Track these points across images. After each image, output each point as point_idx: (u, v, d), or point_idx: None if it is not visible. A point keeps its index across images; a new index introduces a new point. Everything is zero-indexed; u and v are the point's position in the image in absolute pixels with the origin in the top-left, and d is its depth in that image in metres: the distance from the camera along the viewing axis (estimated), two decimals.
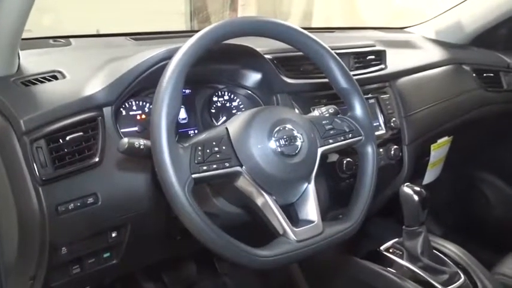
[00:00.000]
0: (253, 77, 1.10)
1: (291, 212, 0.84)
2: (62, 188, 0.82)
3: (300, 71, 1.17)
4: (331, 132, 0.88)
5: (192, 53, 0.77)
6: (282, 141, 0.79)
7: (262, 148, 0.78)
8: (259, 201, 0.79)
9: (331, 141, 0.87)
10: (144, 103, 1.01)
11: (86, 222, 0.85)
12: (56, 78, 0.95)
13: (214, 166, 0.75)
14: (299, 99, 1.15)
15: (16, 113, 0.81)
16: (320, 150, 0.85)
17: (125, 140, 0.76)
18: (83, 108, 0.87)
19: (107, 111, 0.91)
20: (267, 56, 1.08)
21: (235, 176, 0.79)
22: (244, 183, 0.79)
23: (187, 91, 1.10)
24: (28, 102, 0.85)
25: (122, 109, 1.00)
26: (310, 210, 0.82)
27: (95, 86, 0.91)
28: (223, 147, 0.77)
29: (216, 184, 0.91)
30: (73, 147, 0.84)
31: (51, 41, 1.18)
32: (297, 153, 0.80)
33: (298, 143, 0.81)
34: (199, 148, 0.75)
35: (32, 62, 1.00)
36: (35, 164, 0.79)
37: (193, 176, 0.72)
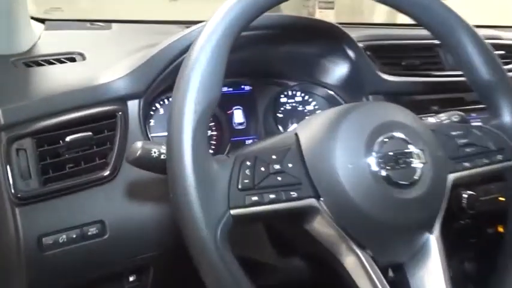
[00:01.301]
0: (338, 71, 0.79)
1: (399, 278, 0.51)
2: (51, 211, 0.56)
3: (401, 65, 0.86)
4: (468, 150, 0.55)
5: (247, 5, 0.47)
6: (390, 161, 0.47)
7: (356, 169, 0.47)
8: (345, 258, 0.49)
9: (467, 164, 0.54)
10: None
11: (87, 263, 0.58)
12: (73, 60, 0.71)
13: (272, 196, 0.45)
14: (398, 103, 0.81)
15: None
16: (451, 179, 0.52)
17: (139, 144, 0.49)
18: (97, 100, 0.62)
19: (133, 105, 0.65)
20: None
21: (307, 214, 0.49)
22: (320, 227, 0.49)
23: (247, 87, 0.83)
24: (19, 87, 0.61)
25: (155, 106, 0.74)
26: (433, 278, 0.49)
27: (117, 71, 0.65)
28: (289, 165, 0.47)
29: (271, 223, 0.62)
30: (77, 153, 0.59)
31: (88, 24, 0.97)
32: (415, 181, 0.48)
33: (417, 164, 0.48)
34: (248, 164, 0.46)
35: (52, 43, 0.78)
36: (10, 174, 0.54)
37: (233, 212, 0.44)
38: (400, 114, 0.52)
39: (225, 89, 0.81)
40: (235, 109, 0.81)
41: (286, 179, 0.46)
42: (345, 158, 0.47)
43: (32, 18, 0.81)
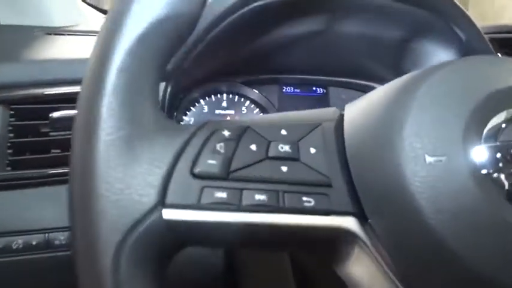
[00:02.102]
0: (438, 61, 0.55)
1: None
2: (10, 206, 0.42)
3: None
4: None
5: None
6: None
7: (443, 169, 0.23)
8: None
9: None
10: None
11: (46, 282, 0.43)
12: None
13: (261, 198, 0.24)
14: None
15: None
16: None
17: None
18: None
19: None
20: None
21: (335, 244, 0.26)
22: (362, 271, 0.26)
23: (320, 90, 0.64)
24: (18, 50, 0.50)
25: (197, 100, 0.59)
26: None
27: None
28: (311, 150, 0.26)
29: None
30: (62, 136, 0.45)
31: None
32: None
33: None
34: (226, 135, 0.25)
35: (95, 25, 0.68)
36: None
37: (168, 213, 0.23)
38: None
39: (290, 89, 0.63)
40: None
41: (301, 172, 0.25)
42: (422, 147, 0.23)
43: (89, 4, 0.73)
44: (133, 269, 0.22)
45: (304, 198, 0.25)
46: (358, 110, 0.27)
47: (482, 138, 0.23)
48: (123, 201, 0.22)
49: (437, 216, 0.22)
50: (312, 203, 0.25)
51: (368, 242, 0.25)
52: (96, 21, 0.72)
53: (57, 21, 0.62)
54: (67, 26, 0.63)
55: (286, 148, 0.26)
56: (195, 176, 0.24)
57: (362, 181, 0.25)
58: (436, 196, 0.22)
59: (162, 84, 0.50)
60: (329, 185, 0.25)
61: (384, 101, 0.26)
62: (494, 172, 0.23)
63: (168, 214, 0.23)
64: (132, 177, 0.22)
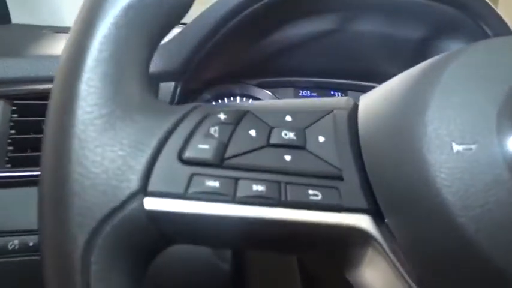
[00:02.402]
0: None
1: None
2: (7, 205, 0.41)
3: None
4: None
5: None
6: None
7: (473, 159, 0.19)
8: None
9: None
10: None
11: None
12: None
13: (259, 189, 0.21)
14: None
15: None
16: None
17: None
18: None
19: (167, 89, 0.48)
20: None
21: (347, 245, 0.22)
22: (377, 277, 0.22)
23: (338, 94, 0.61)
24: (23, 46, 0.49)
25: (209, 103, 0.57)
26: None
27: None
28: (320, 139, 0.23)
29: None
30: None
31: None
32: None
33: None
34: (222, 118, 0.22)
35: None
36: None
37: (150, 203, 0.20)
38: None
39: (306, 92, 0.61)
40: None
41: (307, 162, 0.22)
42: (448, 134, 0.20)
43: None
44: (108, 263, 0.19)
45: (310, 191, 0.21)
46: (374, 98, 0.24)
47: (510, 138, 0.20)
48: (100, 186, 0.19)
49: (466, 213, 0.18)
50: (319, 197, 0.21)
51: (384, 244, 0.21)
52: None
53: (68, 21, 0.61)
54: None
55: (290, 135, 0.22)
56: (184, 161, 0.21)
57: (377, 174, 0.21)
58: (465, 190, 0.19)
59: (171, 85, 0.49)
60: (340, 178, 0.22)
61: (403, 87, 0.23)
62: None
63: (151, 203, 0.20)
64: (111, 161, 0.19)
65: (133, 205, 0.19)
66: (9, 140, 0.42)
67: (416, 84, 0.22)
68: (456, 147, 0.19)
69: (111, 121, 0.20)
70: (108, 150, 0.19)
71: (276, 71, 0.57)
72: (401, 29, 0.49)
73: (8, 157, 0.42)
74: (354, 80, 0.59)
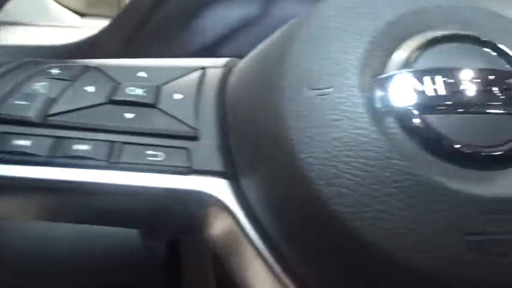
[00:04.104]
0: None
1: None
2: None
3: None
4: None
5: None
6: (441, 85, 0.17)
7: (330, 107, 0.17)
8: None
9: None
10: None
11: None
12: None
13: (78, 149, 0.19)
14: None
15: None
16: None
17: None
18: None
19: None
20: None
21: (196, 211, 0.20)
22: (220, 232, 0.20)
23: None
24: None
25: None
26: None
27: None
28: (182, 99, 0.21)
29: None
30: None
31: None
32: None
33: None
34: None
35: None
36: None
37: None
38: None
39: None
40: None
41: (154, 121, 0.20)
42: (302, 79, 0.18)
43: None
44: None
45: (149, 152, 0.19)
46: (250, 56, 0.22)
47: (390, 65, 0.18)
48: None
49: (313, 161, 0.16)
50: (160, 158, 0.18)
51: (235, 208, 0.18)
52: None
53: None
54: None
55: (139, 91, 0.20)
56: None
57: (239, 134, 0.19)
58: (314, 138, 0.16)
59: None
60: (193, 138, 0.19)
61: (272, 41, 0.21)
62: (413, 116, 0.16)
63: None
64: None
65: None
66: None
67: (282, 34, 0.21)
68: (308, 93, 0.17)
69: None
70: None
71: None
72: None
73: None
74: None
